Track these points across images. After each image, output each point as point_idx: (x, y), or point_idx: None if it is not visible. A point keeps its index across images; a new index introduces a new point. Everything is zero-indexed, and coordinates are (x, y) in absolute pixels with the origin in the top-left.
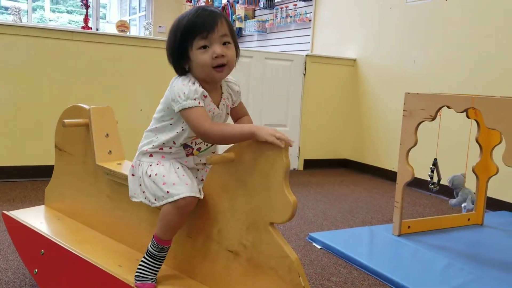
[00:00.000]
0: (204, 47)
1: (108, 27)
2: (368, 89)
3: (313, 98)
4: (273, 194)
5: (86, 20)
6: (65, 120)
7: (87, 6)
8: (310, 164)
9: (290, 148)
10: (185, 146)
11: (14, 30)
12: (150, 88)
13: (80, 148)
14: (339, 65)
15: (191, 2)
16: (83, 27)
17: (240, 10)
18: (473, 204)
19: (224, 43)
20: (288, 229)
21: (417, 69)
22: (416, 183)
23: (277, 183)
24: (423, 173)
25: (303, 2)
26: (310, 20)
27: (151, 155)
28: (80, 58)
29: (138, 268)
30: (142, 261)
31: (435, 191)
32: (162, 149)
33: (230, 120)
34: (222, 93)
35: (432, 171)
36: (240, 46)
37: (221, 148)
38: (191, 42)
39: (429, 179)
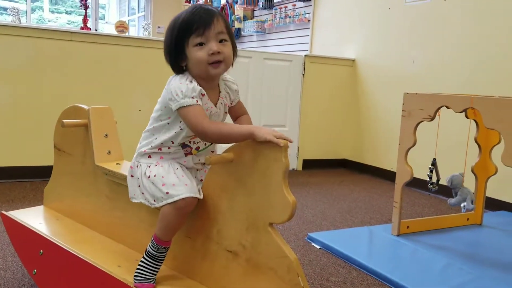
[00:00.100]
0: (201, 44)
1: (107, 28)
2: (367, 89)
3: (312, 98)
4: (272, 194)
5: (85, 20)
6: (64, 121)
7: (86, 7)
8: (309, 164)
9: (289, 148)
10: (183, 145)
11: (13, 30)
12: (149, 88)
13: (79, 149)
14: (338, 65)
15: (190, 2)
16: (82, 28)
17: (239, 10)
18: (473, 203)
19: (221, 41)
20: (287, 229)
21: (416, 69)
22: (415, 183)
23: (276, 183)
24: (422, 173)
25: (302, 2)
26: (309, 21)
27: (149, 156)
28: (79, 58)
29: (137, 269)
30: (141, 261)
31: (434, 191)
32: (160, 149)
33: (229, 120)
34: (220, 92)
35: (431, 171)
36: (239, 46)
37: (221, 148)
38: (187, 40)
39: (428, 179)
